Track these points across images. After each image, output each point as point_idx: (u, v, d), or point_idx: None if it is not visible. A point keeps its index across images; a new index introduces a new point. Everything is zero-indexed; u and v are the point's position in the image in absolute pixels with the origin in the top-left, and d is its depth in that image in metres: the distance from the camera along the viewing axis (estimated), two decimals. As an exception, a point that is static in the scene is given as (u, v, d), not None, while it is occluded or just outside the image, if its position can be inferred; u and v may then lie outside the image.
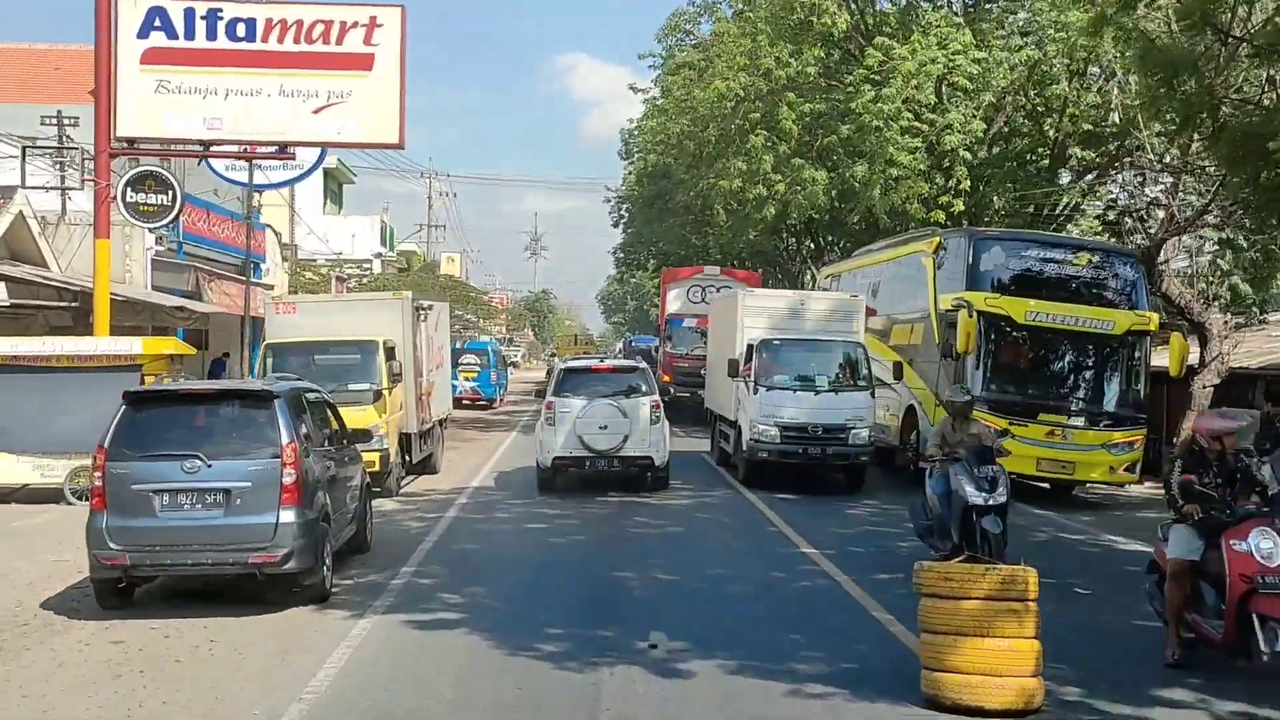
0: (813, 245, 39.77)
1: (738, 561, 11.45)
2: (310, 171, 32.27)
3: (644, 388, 16.62)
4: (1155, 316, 16.45)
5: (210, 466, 8.89)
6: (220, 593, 9.47)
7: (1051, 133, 24.47)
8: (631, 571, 10.77)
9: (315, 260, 44.96)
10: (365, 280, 44.20)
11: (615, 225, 60.11)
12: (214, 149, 18.50)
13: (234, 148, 19.22)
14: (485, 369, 36.39)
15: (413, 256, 61.85)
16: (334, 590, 9.74)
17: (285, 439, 9.05)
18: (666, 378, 27.72)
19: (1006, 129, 24.84)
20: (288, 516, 8.95)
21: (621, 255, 59.40)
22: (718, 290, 27.83)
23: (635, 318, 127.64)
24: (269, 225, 35.19)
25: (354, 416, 14.98)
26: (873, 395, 16.66)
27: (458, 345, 38.39)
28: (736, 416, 17.45)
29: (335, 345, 15.94)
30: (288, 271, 36.71)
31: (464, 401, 36.19)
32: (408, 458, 16.80)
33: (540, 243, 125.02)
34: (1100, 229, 25.08)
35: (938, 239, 17.81)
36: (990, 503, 9.70)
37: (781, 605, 9.69)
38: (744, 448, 16.84)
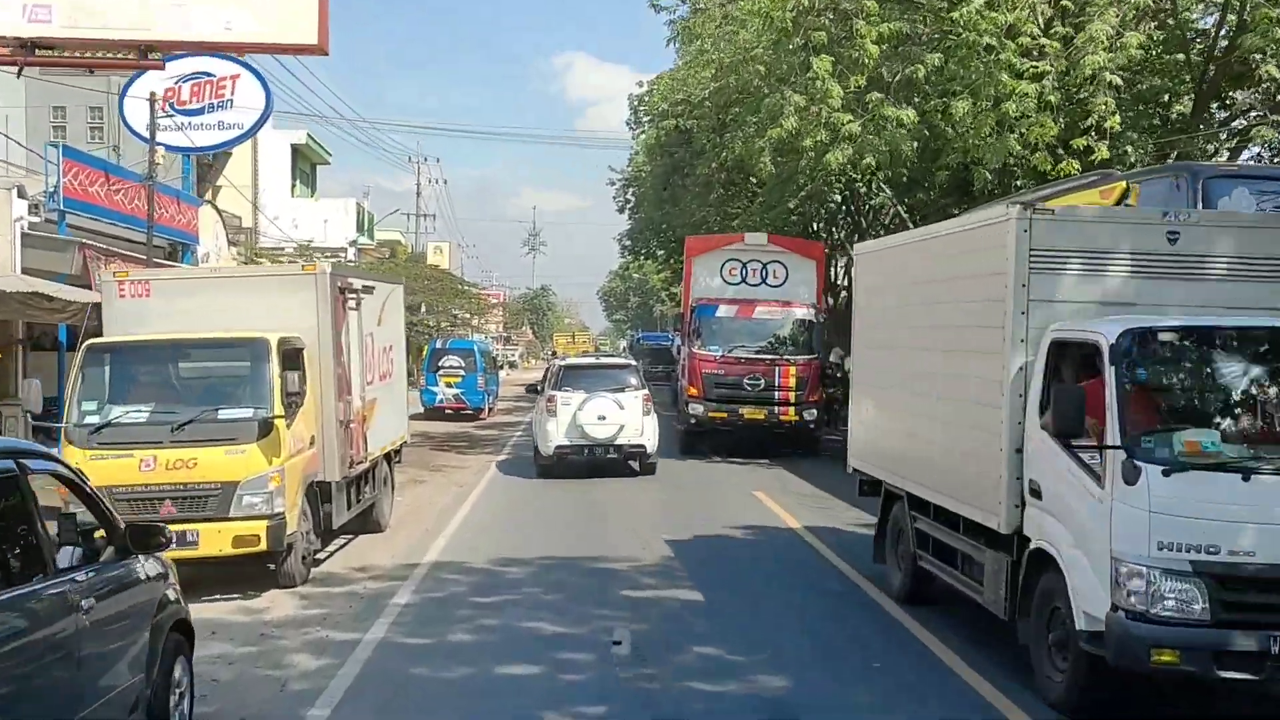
0: (841, 233, 33.81)
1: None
2: (252, 131, 26.44)
3: (635, 382, 18.10)
4: None
5: None
6: None
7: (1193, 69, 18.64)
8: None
9: (283, 249, 39.10)
10: (336, 270, 38.37)
11: (620, 210, 54.36)
12: (40, 53, 12.52)
13: (71, 52, 13.20)
14: (471, 373, 30.44)
15: (398, 247, 56.08)
16: None
17: None
18: (693, 390, 20.20)
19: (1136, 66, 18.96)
20: None
21: (628, 243, 53.57)
22: (764, 266, 21.08)
23: (639, 314, 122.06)
24: (209, 201, 29.40)
25: (222, 464, 9.22)
26: None
27: (439, 344, 32.65)
28: (1044, 540, 6.80)
29: (199, 347, 10.08)
30: (238, 258, 30.90)
31: (446, 411, 30.42)
32: (325, 514, 10.89)
33: (539, 238, 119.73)
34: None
35: (1121, 184, 11.85)
36: None
37: None
38: (1114, 634, 6.04)
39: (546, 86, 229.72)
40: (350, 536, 12.48)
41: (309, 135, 45.14)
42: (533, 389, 20.53)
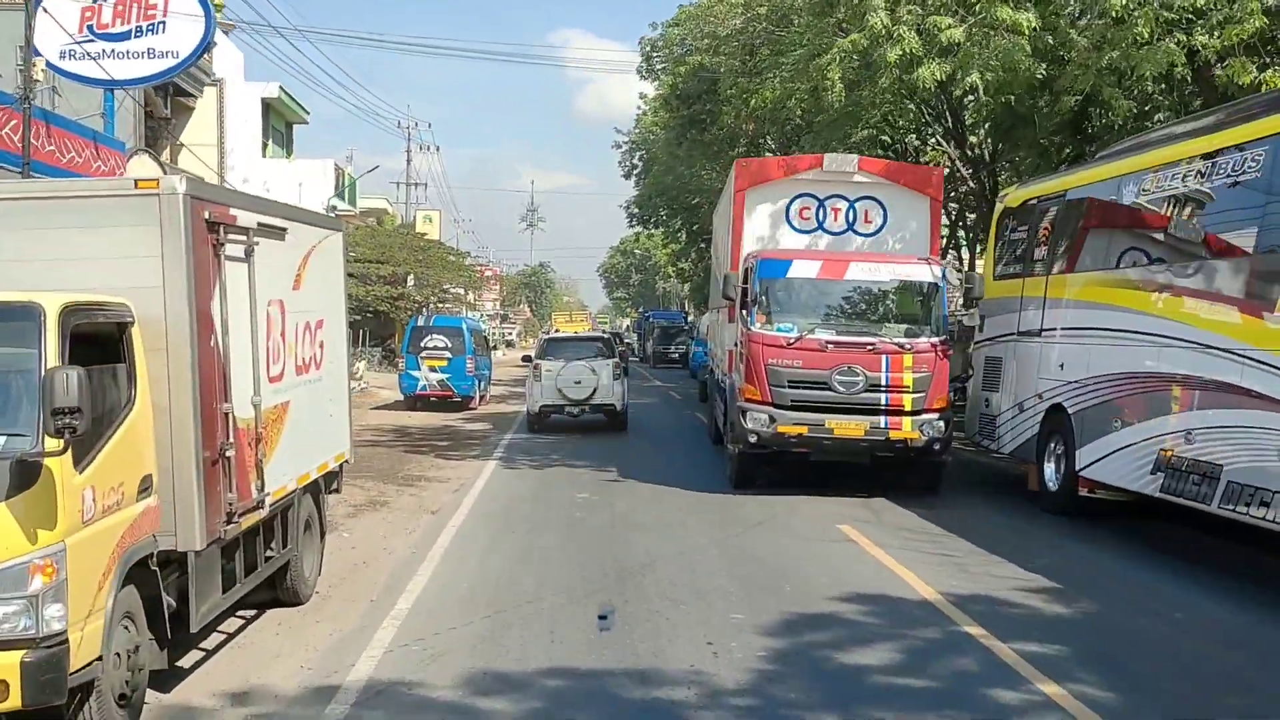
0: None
1: None
2: (189, 61, 21.57)
3: (607, 352, 21.49)
4: None
5: None
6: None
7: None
8: None
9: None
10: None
11: (627, 176, 49.91)
12: None
13: None
14: (459, 355, 25.86)
15: (385, 215, 51.41)
16: None
17: None
18: (753, 391, 13.18)
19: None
20: None
21: (635, 211, 48.96)
22: (851, 204, 14.89)
23: (640, 292, 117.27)
24: (145, 150, 24.74)
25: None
26: None
27: (420, 322, 28.14)
28: None
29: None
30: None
31: (431, 400, 25.92)
32: (177, 603, 6.38)
33: (537, 213, 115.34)
34: None
35: None
36: None
37: None
38: None
39: (544, 64, 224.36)
40: (250, 615, 8.02)
41: (281, 89, 40.37)
42: (527, 358, 23.66)
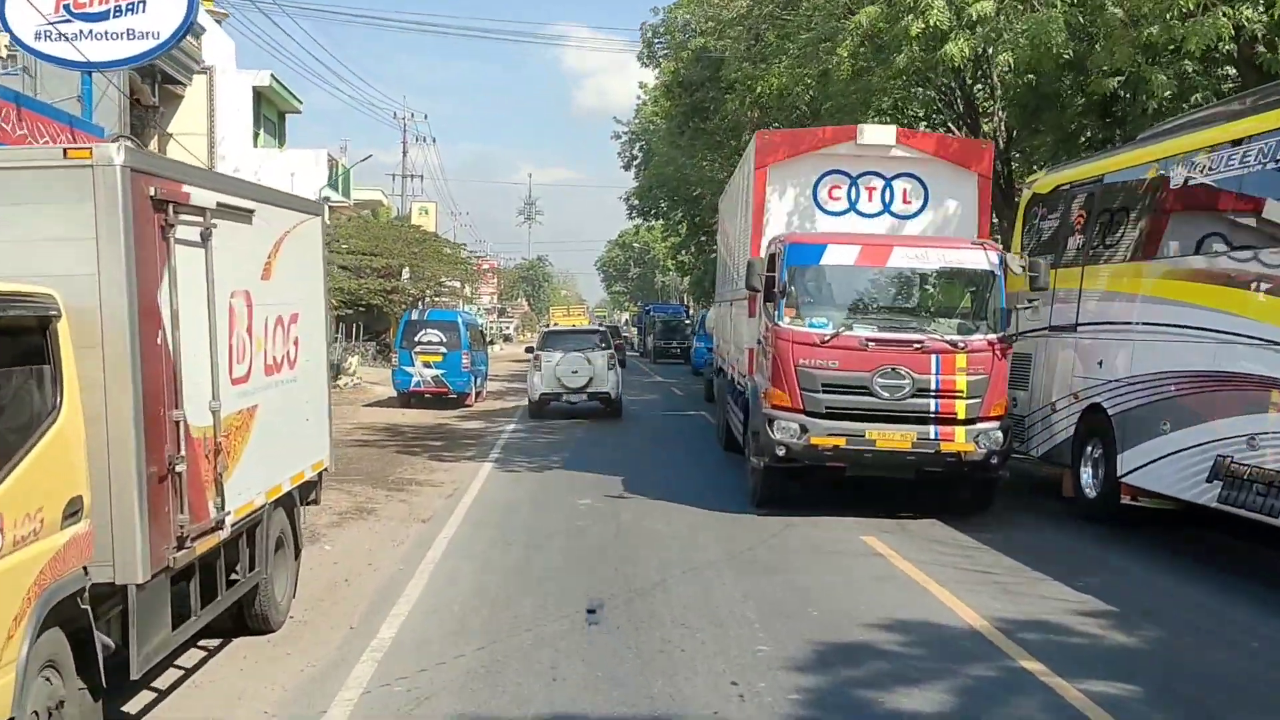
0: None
1: None
2: (171, 42, 20.23)
3: (603, 344, 22.85)
4: None
5: None
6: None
7: None
8: None
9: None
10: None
11: (626, 168, 48.92)
12: None
13: None
14: (454, 350, 24.90)
15: (380, 207, 50.45)
16: None
17: None
18: (782, 396, 11.44)
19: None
20: None
21: (635, 203, 47.95)
22: (887, 182, 13.08)
23: (639, 286, 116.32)
24: (127, 136, 23.78)
25: None
26: None
27: (414, 316, 27.22)
28: None
29: None
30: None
31: (425, 396, 24.99)
32: (115, 643, 5.47)
33: (535, 206, 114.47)
34: None
35: None
36: None
37: None
38: None
39: (542, 54, 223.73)
40: (214, 645, 7.11)
41: (273, 77, 39.37)
42: (530, 349, 24.46)
